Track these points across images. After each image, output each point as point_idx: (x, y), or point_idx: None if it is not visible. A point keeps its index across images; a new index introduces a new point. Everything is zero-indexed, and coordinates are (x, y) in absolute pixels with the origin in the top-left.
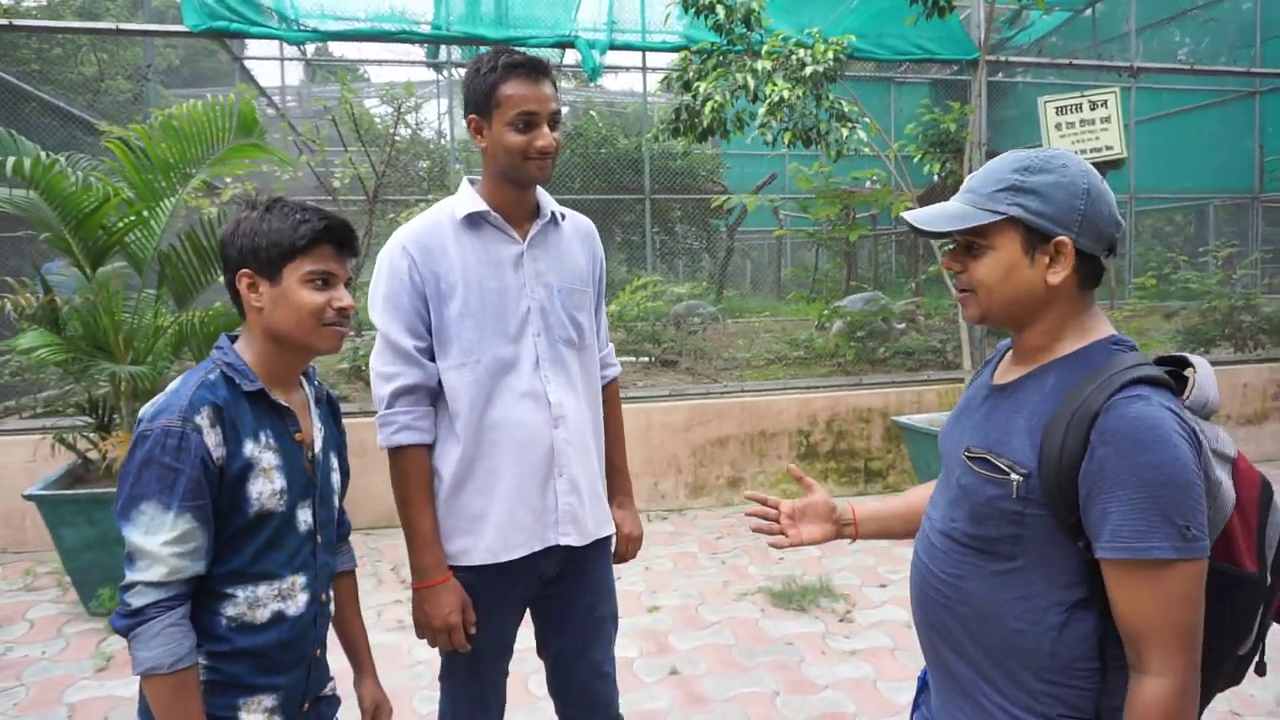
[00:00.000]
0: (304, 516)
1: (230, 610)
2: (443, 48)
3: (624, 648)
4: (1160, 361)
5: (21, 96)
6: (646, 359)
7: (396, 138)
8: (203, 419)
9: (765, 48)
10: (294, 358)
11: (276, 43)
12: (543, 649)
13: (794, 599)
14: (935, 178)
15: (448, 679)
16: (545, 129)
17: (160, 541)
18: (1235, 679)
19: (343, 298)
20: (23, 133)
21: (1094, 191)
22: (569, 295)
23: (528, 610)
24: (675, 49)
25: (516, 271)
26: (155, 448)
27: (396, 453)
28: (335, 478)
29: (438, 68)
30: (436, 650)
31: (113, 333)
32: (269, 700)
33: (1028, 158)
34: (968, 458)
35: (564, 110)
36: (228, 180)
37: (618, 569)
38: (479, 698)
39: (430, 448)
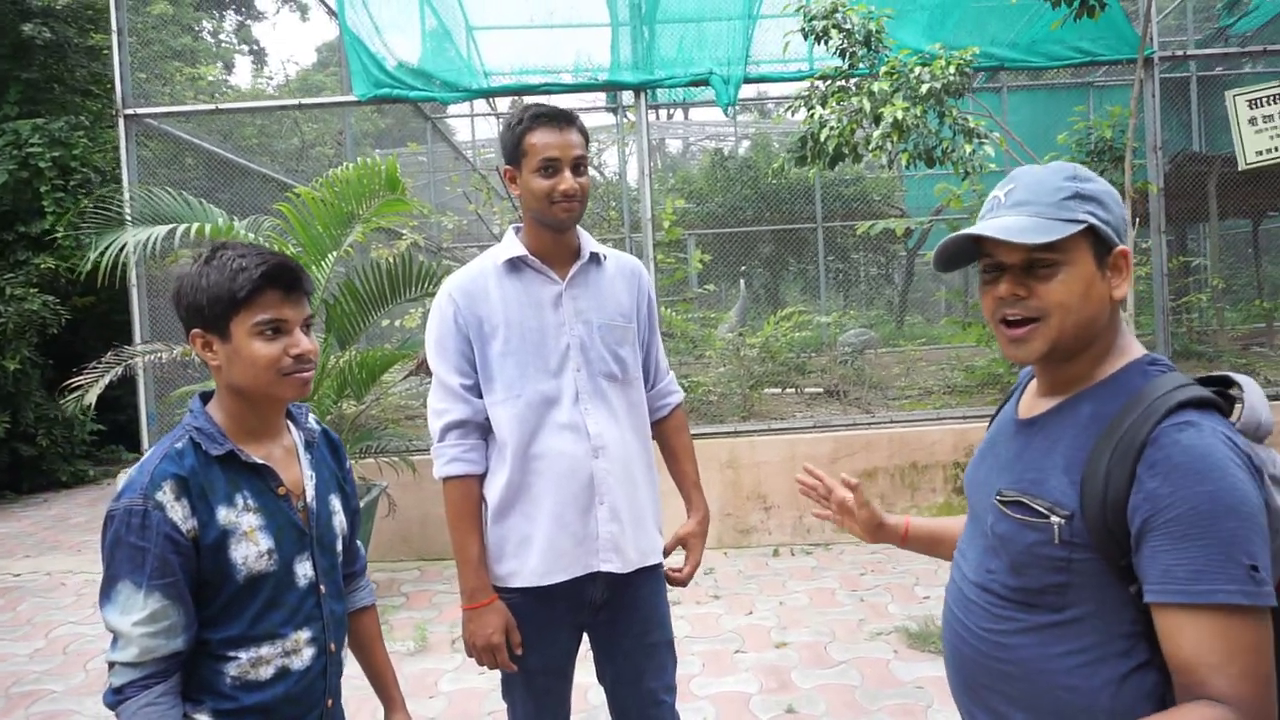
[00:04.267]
0: (302, 570)
1: (233, 670)
2: (623, 95)
3: (744, 683)
4: (1203, 382)
5: (244, 171)
6: (793, 389)
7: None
8: (165, 494)
9: (884, 69)
10: (263, 411)
11: (469, 101)
12: (601, 675)
13: (931, 640)
14: None
15: (507, 698)
16: (567, 173)
17: (132, 622)
18: None
19: (299, 343)
20: (245, 200)
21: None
22: (610, 331)
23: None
24: (807, 78)
25: (556, 310)
26: (121, 527)
27: (447, 483)
28: (337, 520)
29: (615, 113)
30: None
31: None
32: None
33: (1067, 167)
34: (1000, 502)
35: (742, 144)
36: (404, 231)
37: (750, 600)
38: (534, 715)
39: (481, 478)
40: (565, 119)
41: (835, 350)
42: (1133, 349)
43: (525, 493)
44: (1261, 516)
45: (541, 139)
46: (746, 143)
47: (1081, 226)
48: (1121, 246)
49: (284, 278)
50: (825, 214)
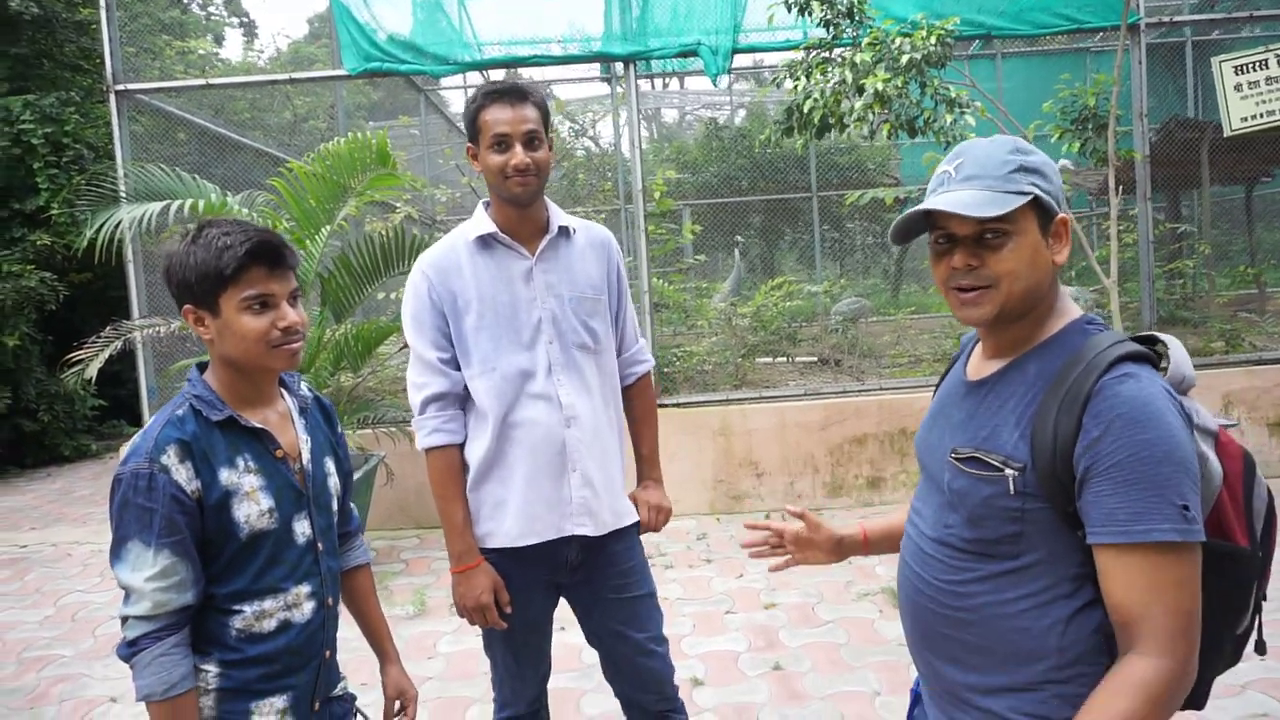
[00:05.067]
0: (301, 528)
1: (238, 623)
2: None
3: (733, 642)
4: (1133, 341)
5: (237, 146)
6: (784, 359)
7: (577, 151)
8: (169, 458)
9: (866, 40)
10: (256, 380)
11: (462, 74)
12: (588, 634)
13: None
14: (1067, 159)
15: (489, 652)
16: (518, 148)
17: (144, 578)
18: (1234, 659)
19: (285, 316)
20: (239, 175)
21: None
22: (580, 303)
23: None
24: (796, 48)
25: (527, 284)
26: (129, 490)
27: (430, 453)
28: (332, 482)
29: (610, 83)
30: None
31: None
32: (280, 702)
33: (1011, 140)
34: (955, 459)
35: (738, 113)
36: (398, 204)
37: (741, 566)
38: (515, 668)
39: (461, 446)
40: (517, 95)
41: (827, 319)
42: (1070, 310)
43: (501, 459)
44: (1194, 461)
45: (494, 115)
46: (743, 112)
47: (1028, 198)
48: (1061, 214)
49: (268, 254)
50: (820, 183)
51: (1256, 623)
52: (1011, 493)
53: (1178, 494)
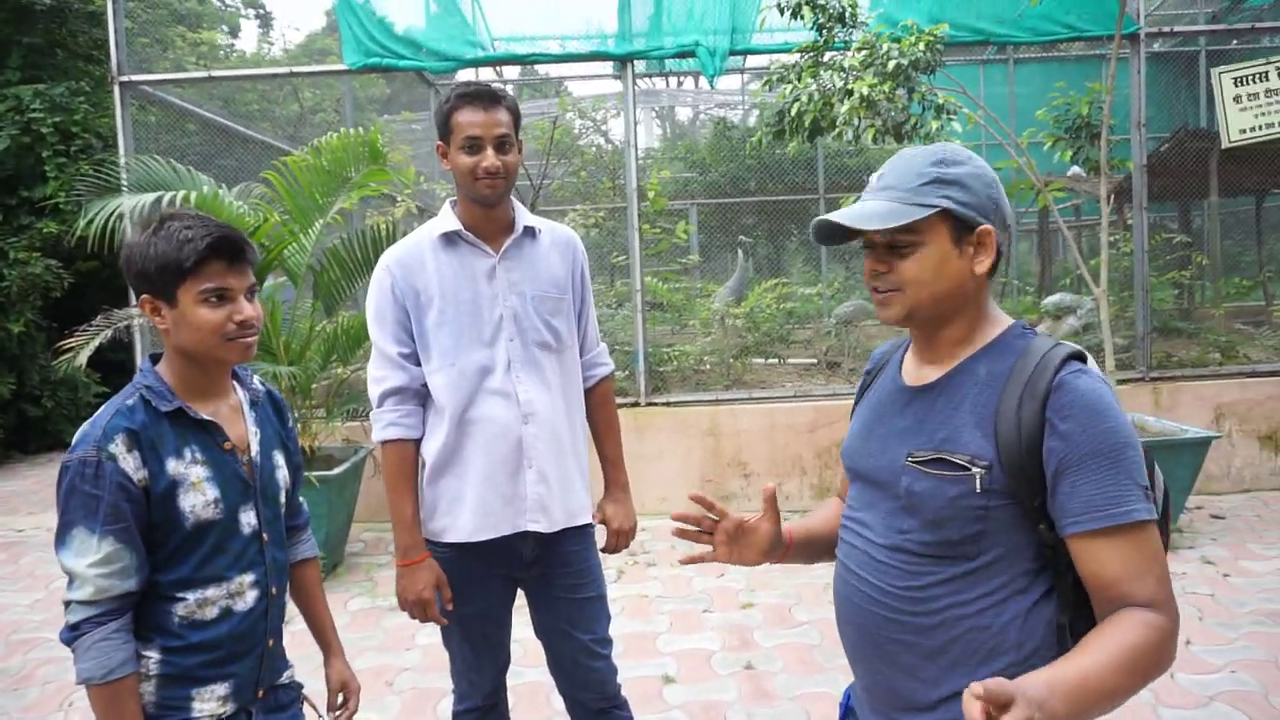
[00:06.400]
0: (246, 519)
1: (181, 610)
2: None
3: (707, 641)
4: None
5: (245, 138)
6: (776, 360)
7: (589, 149)
8: (117, 446)
9: (856, 44)
10: (209, 372)
11: (473, 69)
12: (537, 629)
13: None
14: (1074, 167)
15: (447, 645)
16: (489, 151)
17: (87, 564)
18: None
19: (242, 310)
20: (246, 166)
21: (998, 181)
22: (543, 302)
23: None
24: (793, 50)
25: (490, 282)
26: (75, 477)
27: (385, 446)
28: (280, 474)
29: (622, 81)
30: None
31: (275, 338)
32: (221, 689)
33: (938, 151)
34: (915, 463)
35: (752, 113)
36: (399, 197)
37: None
38: (472, 660)
39: (417, 442)
40: (491, 98)
41: (822, 322)
42: (1003, 317)
43: (458, 454)
44: (1139, 444)
45: (466, 117)
46: (756, 113)
47: (933, 211)
48: (984, 225)
49: (228, 248)
50: (829, 185)
51: None
52: (979, 490)
53: (1140, 475)
